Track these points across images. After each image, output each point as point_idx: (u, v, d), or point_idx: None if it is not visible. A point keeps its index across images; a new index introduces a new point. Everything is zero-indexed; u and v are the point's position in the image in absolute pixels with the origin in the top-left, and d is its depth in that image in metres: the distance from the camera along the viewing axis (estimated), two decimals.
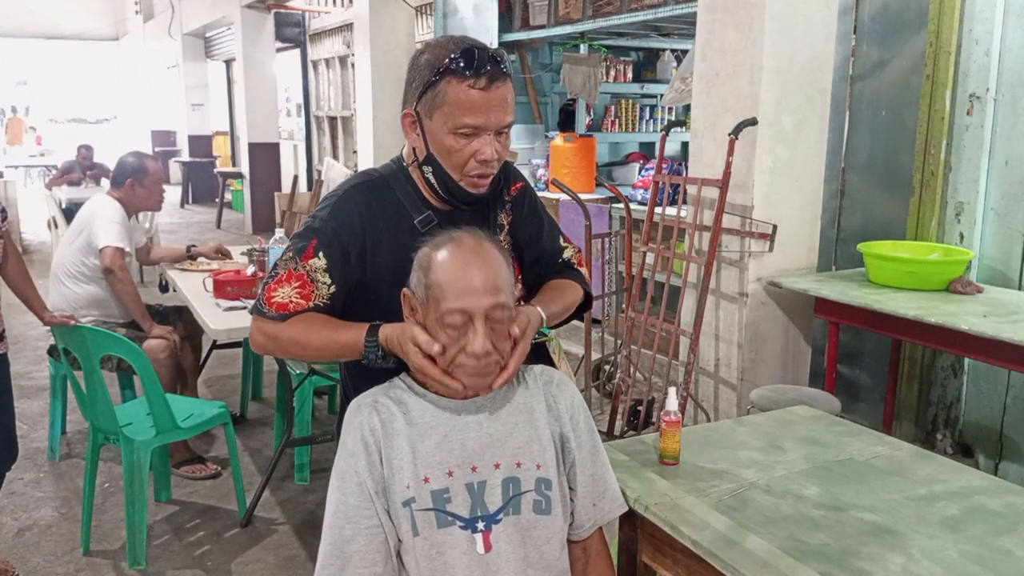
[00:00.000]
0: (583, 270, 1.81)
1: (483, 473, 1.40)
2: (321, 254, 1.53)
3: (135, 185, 3.63)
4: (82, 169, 8.88)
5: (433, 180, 1.57)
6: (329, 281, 1.53)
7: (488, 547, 1.39)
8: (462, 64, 1.46)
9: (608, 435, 3.60)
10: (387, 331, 1.45)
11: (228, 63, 13.85)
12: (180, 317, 3.81)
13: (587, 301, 1.79)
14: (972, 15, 3.16)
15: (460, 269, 1.35)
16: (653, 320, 3.53)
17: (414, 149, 1.58)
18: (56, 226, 6.77)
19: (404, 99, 1.57)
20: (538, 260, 1.76)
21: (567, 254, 1.80)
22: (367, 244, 1.56)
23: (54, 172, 9.48)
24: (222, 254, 4.08)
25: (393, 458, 1.38)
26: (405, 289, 1.43)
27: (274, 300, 1.53)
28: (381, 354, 1.46)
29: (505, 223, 1.71)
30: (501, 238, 1.70)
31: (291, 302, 1.52)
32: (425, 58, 1.51)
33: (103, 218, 3.51)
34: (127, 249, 3.53)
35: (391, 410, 1.42)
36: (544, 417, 1.47)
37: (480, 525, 1.39)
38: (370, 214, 1.57)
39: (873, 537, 1.43)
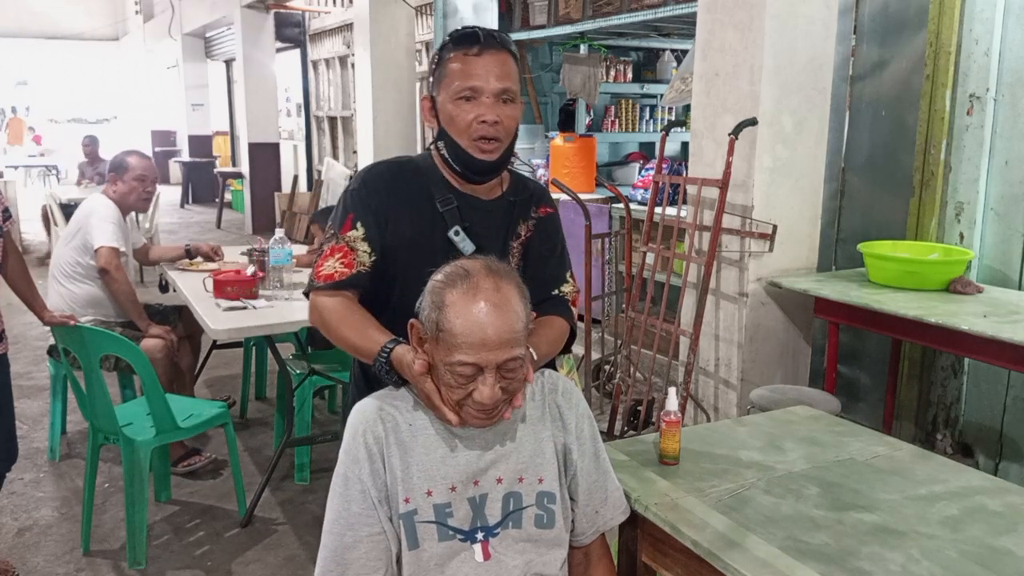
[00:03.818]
0: (575, 309, 1.79)
1: (485, 487, 1.40)
2: (358, 224, 1.61)
3: (116, 181, 3.62)
4: (88, 159, 8.76)
5: (446, 154, 1.63)
6: (368, 249, 1.61)
7: (487, 555, 1.39)
8: (456, 38, 1.60)
9: (608, 435, 3.60)
10: (401, 351, 1.45)
11: (228, 63, 13.86)
12: (179, 316, 3.81)
13: (570, 339, 1.77)
14: (972, 15, 3.16)
15: (474, 321, 1.30)
16: (653, 320, 3.53)
17: (432, 132, 1.67)
18: (56, 223, 6.77)
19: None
20: (534, 279, 1.70)
21: (566, 289, 1.76)
22: (390, 211, 1.63)
23: (74, 174, 9.30)
24: (216, 254, 4.07)
25: (397, 468, 1.38)
26: (413, 320, 1.39)
27: (322, 273, 1.61)
28: (387, 369, 1.46)
29: (523, 234, 1.73)
30: (515, 245, 1.71)
31: (336, 272, 1.59)
32: (436, 54, 1.65)
33: (98, 218, 3.51)
34: (122, 249, 3.52)
35: (396, 419, 1.41)
36: (548, 429, 1.46)
37: (479, 536, 1.39)
38: (395, 184, 1.65)
39: (873, 537, 1.43)
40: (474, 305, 1.30)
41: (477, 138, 1.59)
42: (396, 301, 1.62)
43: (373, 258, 1.62)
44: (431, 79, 1.66)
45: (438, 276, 1.36)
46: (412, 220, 1.64)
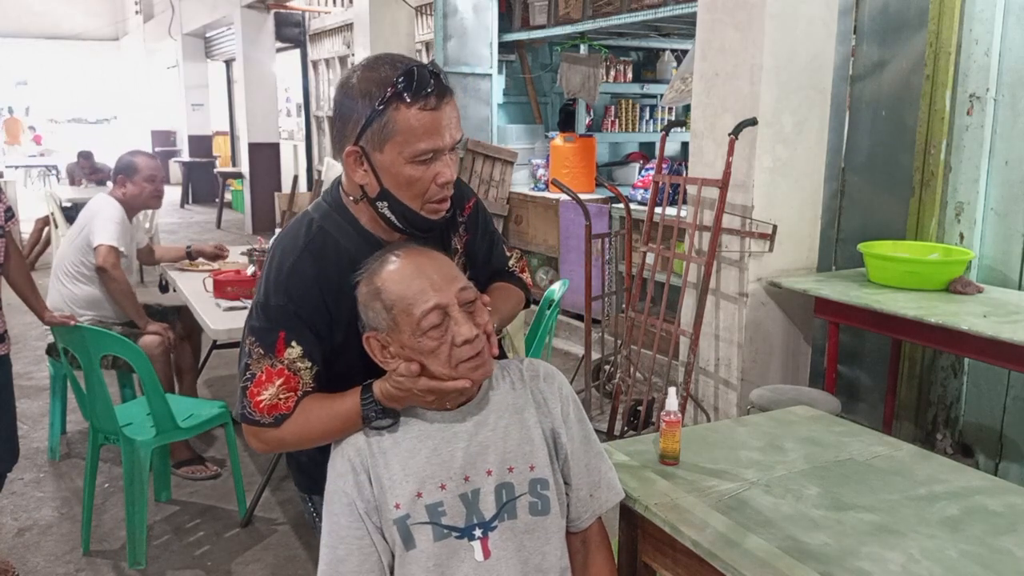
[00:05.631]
0: (525, 276, 1.83)
1: (476, 481, 1.39)
2: (294, 343, 1.42)
3: (126, 182, 3.63)
4: (86, 172, 8.92)
5: (389, 214, 1.45)
6: (309, 365, 1.44)
7: (487, 554, 1.38)
8: (406, 88, 1.35)
9: (608, 435, 3.60)
10: (377, 386, 1.40)
11: (228, 63, 13.86)
12: (179, 316, 3.81)
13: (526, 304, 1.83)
14: (972, 15, 3.16)
15: (413, 274, 1.34)
16: (653, 320, 3.53)
17: (362, 186, 1.45)
18: (56, 225, 6.76)
19: (342, 135, 1.43)
20: (485, 267, 1.74)
21: (511, 262, 1.81)
22: (331, 309, 1.45)
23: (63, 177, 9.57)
24: (219, 255, 4.07)
25: (383, 477, 1.37)
26: (367, 334, 1.38)
27: (263, 404, 1.42)
28: (380, 409, 1.39)
29: (459, 247, 1.65)
30: (455, 261, 1.64)
31: (280, 401, 1.43)
32: (358, 88, 1.39)
33: (101, 217, 3.52)
34: (122, 249, 3.52)
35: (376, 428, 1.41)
36: (534, 416, 1.45)
37: (477, 532, 1.38)
38: (326, 278, 1.44)
39: (873, 537, 1.43)
40: (403, 267, 1.36)
41: (436, 200, 1.43)
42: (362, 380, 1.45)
43: (315, 371, 1.44)
44: (359, 128, 1.38)
45: (360, 282, 1.39)
46: (352, 306, 1.43)
